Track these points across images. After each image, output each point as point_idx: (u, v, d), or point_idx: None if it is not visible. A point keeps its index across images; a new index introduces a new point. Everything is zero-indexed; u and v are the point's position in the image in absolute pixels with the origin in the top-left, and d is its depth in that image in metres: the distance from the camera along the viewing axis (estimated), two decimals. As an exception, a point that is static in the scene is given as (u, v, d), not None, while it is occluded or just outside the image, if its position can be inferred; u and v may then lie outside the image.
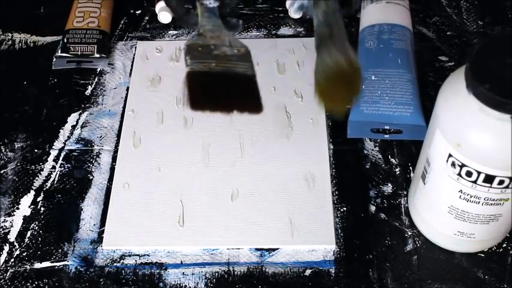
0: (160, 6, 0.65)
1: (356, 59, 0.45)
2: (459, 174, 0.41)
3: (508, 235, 0.49)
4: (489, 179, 0.40)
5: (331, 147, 0.55)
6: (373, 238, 0.49)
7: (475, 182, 0.41)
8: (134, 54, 0.63)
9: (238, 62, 0.48)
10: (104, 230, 0.50)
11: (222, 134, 0.56)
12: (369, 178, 0.53)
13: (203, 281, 0.47)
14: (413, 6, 0.64)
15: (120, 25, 0.67)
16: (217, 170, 0.53)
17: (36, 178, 0.54)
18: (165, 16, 0.66)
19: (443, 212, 0.45)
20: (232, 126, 0.56)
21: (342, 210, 0.51)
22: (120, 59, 0.63)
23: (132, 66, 0.62)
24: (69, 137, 0.57)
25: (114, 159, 0.55)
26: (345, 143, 0.55)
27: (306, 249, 0.49)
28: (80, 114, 0.59)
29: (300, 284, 0.47)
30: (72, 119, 0.58)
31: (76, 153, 0.56)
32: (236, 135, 0.56)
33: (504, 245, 0.48)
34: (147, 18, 0.67)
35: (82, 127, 0.58)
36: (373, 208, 0.51)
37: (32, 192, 0.53)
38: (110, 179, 0.53)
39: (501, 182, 0.40)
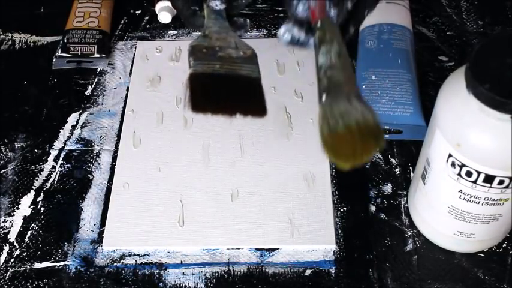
0: (160, 6, 0.65)
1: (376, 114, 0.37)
2: (459, 174, 0.41)
3: (508, 235, 0.48)
4: (489, 179, 0.40)
5: (331, 147, 0.55)
6: (373, 238, 0.49)
7: (475, 182, 0.41)
8: (134, 54, 0.63)
9: (244, 64, 0.47)
10: (104, 230, 0.50)
11: (222, 134, 0.56)
12: (369, 178, 0.53)
13: (203, 281, 0.47)
14: (413, 6, 0.64)
15: (120, 25, 0.67)
16: (217, 170, 0.53)
17: (36, 178, 0.54)
18: (165, 16, 0.66)
19: (443, 212, 0.45)
20: (232, 126, 0.56)
21: (342, 210, 0.51)
22: (120, 59, 0.63)
23: (132, 66, 0.62)
24: (69, 137, 0.57)
25: (114, 159, 0.55)
26: (345, 143, 0.55)
27: (306, 249, 0.49)
28: (80, 114, 0.59)
29: (300, 284, 0.47)
30: (72, 119, 0.58)
31: (76, 153, 0.56)
32: (236, 135, 0.56)
33: (504, 245, 0.48)
34: (147, 18, 0.67)
35: (82, 127, 0.58)
36: (373, 208, 0.51)
37: (32, 192, 0.53)
38: (110, 179, 0.53)
39: (501, 182, 0.40)
